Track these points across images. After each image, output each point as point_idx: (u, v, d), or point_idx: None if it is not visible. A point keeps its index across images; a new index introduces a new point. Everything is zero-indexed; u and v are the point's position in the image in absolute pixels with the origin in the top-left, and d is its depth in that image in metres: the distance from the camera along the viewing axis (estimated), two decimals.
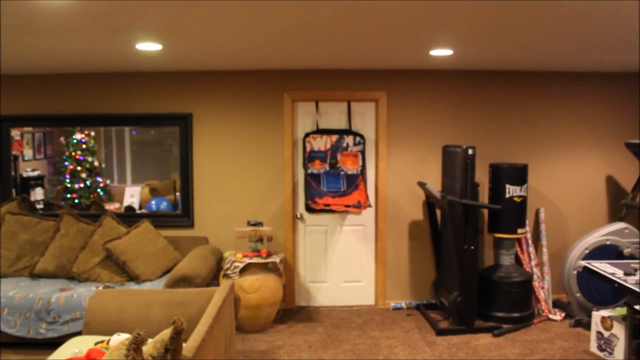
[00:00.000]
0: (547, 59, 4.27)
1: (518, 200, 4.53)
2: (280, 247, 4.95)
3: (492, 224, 4.67)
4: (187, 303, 3.13)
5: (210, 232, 4.97)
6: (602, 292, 4.50)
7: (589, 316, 4.03)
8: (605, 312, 3.84)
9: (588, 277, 4.42)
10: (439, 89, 4.96)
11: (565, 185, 5.08)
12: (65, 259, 4.35)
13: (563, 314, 4.68)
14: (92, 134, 5.12)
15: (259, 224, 4.67)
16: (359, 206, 4.71)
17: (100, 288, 3.98)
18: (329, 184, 4.84)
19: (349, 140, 4.88)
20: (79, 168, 5.10)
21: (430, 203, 4.86)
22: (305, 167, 4.83)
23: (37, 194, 5.08)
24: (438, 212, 4.90)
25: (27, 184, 5.03)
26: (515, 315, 4.50)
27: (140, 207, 5.13)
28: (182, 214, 4.99)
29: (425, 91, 4.96)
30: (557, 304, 4.83)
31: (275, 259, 4.47)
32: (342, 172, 4.85)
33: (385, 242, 5.02)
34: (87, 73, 4.87)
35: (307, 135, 4.87)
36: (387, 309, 5.00)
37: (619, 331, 3.64)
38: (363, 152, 4.88)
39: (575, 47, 3.67)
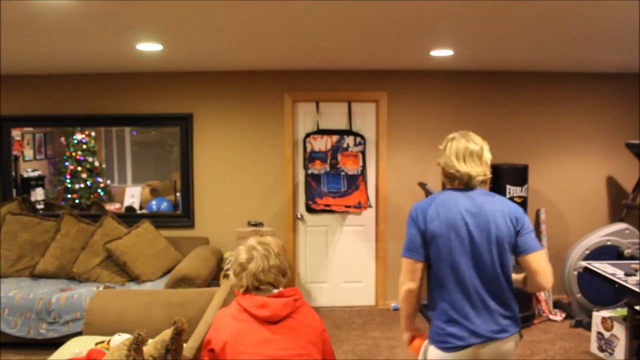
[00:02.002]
0: (547, 60, 4.27)
1: (518, 200, 4.53)
2: None
3: None
4: (187, 303, 3.13)
5: (211, 233, 4.97)
6: (603, 292, 4.49)
7: (590, 317, 4.03)
8: (605, 313, 3.84)
9: (589, 278, 4.42)
10: (440, 89, 4.96)
11: (565, 186, 5.08)
12: (66, 260, 4.35)
13: (563, 315, 4.68)
14: (93, 134, 5.12)
15: (259, 224, 4.67)
16: (360, 206, 4.71)
17: (101, 288, 3.98)
18: (330, 184, 4.84)
19: (349, 140, 4.88)
20: (79, 168, 5.10)
21: None
22: (306, 168, 4.83)
23: (38, 194, 5.08)
24: None
25: (28, 184, 5.04)
26: None
27: (141, 208, 5.13)
28: (182, 214, 4.99)
29: (426, 91, 4.96)
30: (557, 305, 4.83)
31: None
32: (342, 173, 4.85)
33: (385, 243, 5.02)
34: (88, 73, 4.87)
35: (307, 135, 4.87)
36: (388, 309, 4.99)
37: (619, 332, 3.64)
38: (363, 153, 4.88)
39: (576, 47, 3.67)
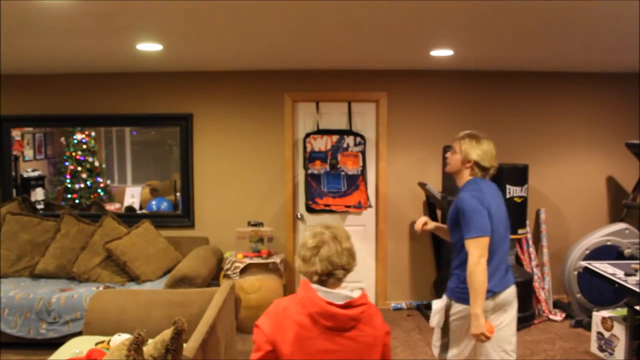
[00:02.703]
0: (548, 59, 4.27)
1: (518, 200, 4.53)
2: (281, 248, 4.95)
3: None
4: (187, 303, 3.13)
5: (211, 233, 4.97)
6: (603, 292, 4.49)
7: (590, 317, 4.03)
8: (605, 313, 3.84)
9: (589, 278, 4.42)
10: (440, 89, 4.96)
11: (565, 186, 5.08)
12: (66, 259, 4.35)
13: (563, 315, 4.68)
14: (93, 134, 5.12)
15: (259, 224, 4.67)
16: (360, 207, 4.71)
17: (101, 288, 3.98)
18: (330, 184, 4.84)
19: (349, 140, 4.88)
20: (79, 168, 5.10)
21: (430, 203, 4.86)
22: (306, 168, 4.83)
23: (38, 194, 5.09)
24: (438, 212, 4.90)
25: (28, 184, 5.04)
26: None
27: (141, 208, 5.13)
28: (182, 214, 4.99)
29: (426, 92, 4.96)
30: (557, 305, 4.83)
31: (276, 259, 4.47)
32: (342, 173, 4.85)
33: (385, 243, 5.02)
34: (88, 73, 4.87)
35: (307, 135, 4.87)
36: (388, 309, 4.99)
37: (619, 332, 3.64)
38: (363, 153, 4.88)
39: (576, 47, 3.67)
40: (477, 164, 2.61)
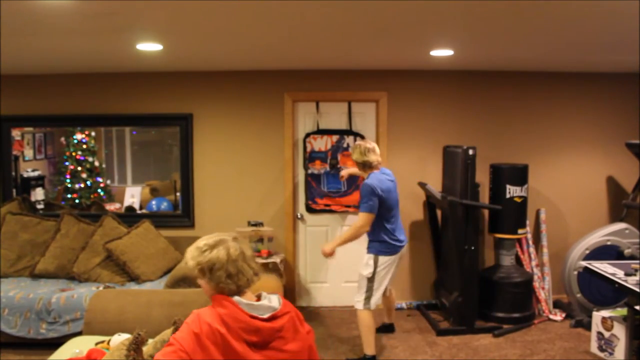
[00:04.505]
0: (547, 59, 4.27)
1: (518, 200, 4.53)
2: (281, 248, 4.95)
3: (493, 224, 4.66)
4: (187, 303, 3.13)
5: (211, 233, 4.95)
6: (603, 292, 4.49)
7: (590, 317, 4.03)
8: (605, 313, 3.84)
9: (589, 278, 4.42)
10: (440, 89, 4.96)
11: (565, 186, 5.08)
12: (66, 259, 4.35)
13: (563, 315, 4.68)
14: (93, 134, 5.12)
15: (259, 224, 4.67)
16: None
17: (101, 288, 3.98)
18: (330, 184, 4.84)
19: (349, 140, 4.88)
20: (79, 168, 5.10)
21: (430, 203, 4.86)
22: (306, 168, 4.83)
23: (38, 194, 5.09)
24: (439, 212, 4.90)
25: (28, 184, 5.04)
26: (516, 315, 4.50)
27: (141, 207, 5.13)
28: (182, 214, 4.99)
29: (426, 91, 4.96)
30: (557, 305, 4.83)
31: (276, 259, 4.47)
32: None
33: None
34: (88, 73, 4.87)
35: (307, 135, 4.87)
36: None
37: (619, 331, 3.64)
38: None
39: (576, 47, 3.67)
40: (358, 162, 3.69)
